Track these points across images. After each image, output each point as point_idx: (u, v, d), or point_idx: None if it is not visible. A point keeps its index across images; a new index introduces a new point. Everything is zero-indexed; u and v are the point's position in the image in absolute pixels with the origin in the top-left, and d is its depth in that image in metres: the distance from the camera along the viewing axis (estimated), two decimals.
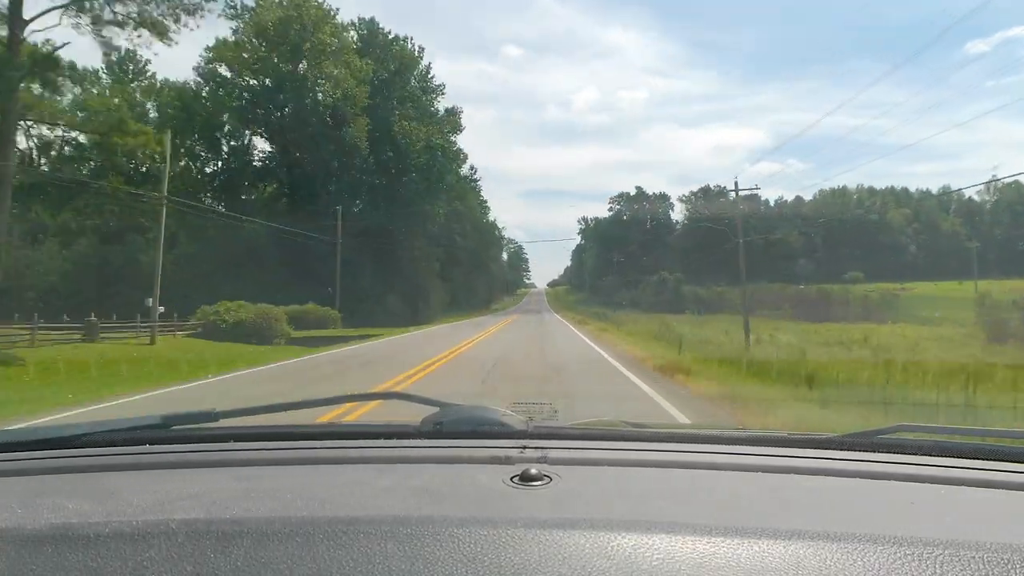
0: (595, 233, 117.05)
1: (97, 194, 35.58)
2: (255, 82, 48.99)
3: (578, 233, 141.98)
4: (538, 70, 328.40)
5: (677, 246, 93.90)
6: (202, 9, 22.28)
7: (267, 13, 46.35)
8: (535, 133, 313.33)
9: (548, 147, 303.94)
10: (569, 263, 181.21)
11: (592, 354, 19.20)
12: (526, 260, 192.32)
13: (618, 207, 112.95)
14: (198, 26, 22.50)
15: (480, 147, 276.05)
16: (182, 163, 47.16)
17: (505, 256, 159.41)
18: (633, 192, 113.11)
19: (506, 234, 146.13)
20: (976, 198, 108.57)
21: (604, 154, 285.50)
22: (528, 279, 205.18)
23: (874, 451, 1.22)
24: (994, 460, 1.16)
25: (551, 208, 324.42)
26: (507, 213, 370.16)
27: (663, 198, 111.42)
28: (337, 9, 50.47)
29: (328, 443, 1.31)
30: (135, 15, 21.11)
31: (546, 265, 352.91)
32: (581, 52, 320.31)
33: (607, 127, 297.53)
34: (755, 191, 53.75)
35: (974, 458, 1.17)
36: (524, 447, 1.20)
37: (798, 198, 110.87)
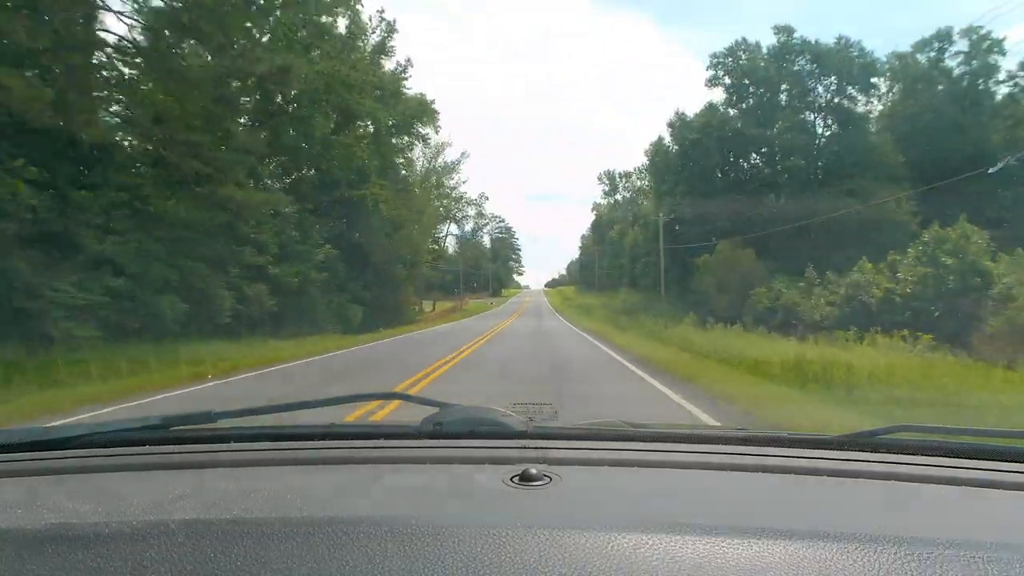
0: (662, 169, 48.18)
1: None
2: None
3: (592, 209, 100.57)
4: (538, 68, 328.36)
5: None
6: None
7: None
8: (535, 132, 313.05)
9: (548, 146, 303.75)
10: (578, 254, 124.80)
11: None
12: (517, 250, 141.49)
13: (729, 87, 45.63)
14: None
15: (478, 146, 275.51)
16: None
17: (488, 241, 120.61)
18: (762, 49, 44.85)
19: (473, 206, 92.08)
20: None
21: (605, 155, 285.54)
22: (520, 272, 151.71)
23: (874, 451, 1.22)
24: (994, 460, 1.16)
25: (552, 210, 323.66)
26: (506, 214, 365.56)
27: (862, 60, 43.52)
28: None
29: (328, 443, 1.30)
30: None
31: (543, 263, 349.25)
32: (582, 50, 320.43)
33: (608, 127, 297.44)
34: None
35: (974, 458, 1.17)
36: (524, 447, 1.20)
37: None
